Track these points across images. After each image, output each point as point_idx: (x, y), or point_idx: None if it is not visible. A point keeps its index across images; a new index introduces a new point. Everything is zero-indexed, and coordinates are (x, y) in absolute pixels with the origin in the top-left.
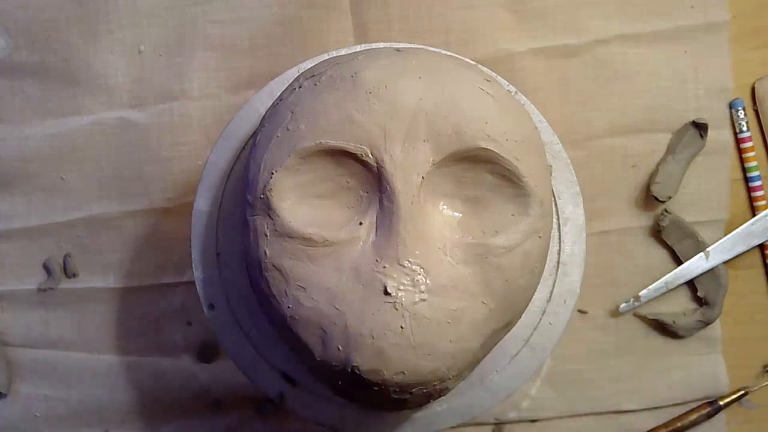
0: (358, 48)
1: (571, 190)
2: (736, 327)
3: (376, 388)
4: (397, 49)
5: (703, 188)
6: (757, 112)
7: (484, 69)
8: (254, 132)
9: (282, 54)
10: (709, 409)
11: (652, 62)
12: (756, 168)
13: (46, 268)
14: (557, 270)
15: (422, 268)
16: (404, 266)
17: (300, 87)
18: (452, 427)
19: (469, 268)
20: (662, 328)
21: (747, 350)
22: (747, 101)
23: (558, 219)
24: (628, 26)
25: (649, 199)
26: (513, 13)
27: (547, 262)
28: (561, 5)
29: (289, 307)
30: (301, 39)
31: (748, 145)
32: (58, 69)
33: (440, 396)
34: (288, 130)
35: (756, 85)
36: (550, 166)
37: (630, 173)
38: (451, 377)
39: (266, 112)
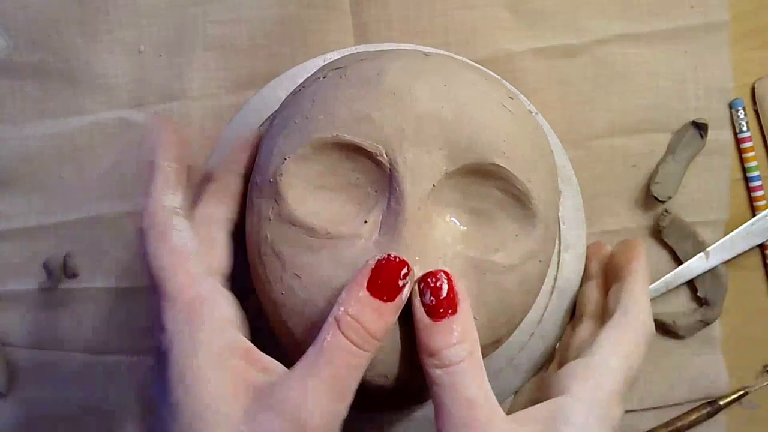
0: (385, 46)
1: (578, 216)
2: (736, 327)
3: (375, 387)
4: (426, 54)
5: (703, 188)
6: (757, 112)
7: (508, 85)
8: (271, 115)
9: (282, 54)
10: (709, 409)
11: (652, 62)
12: (756, 168)
13: (46, 268)
14: (551, 294)
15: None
16: None
17: (324, 77)
18: None
19: (465, 281)
20: (662, 328)
21: (747, 350)
22: (747, 101)
23: (560, 244)
24: (628, 26)
25: (649, 199)
26: (513, 13)
27: (544, 284)
28: (561, 5)
29: (282, 293)
30: (301, 39)
31: (748, 145)
32: (58, 69)
33: (423, 402)
34: (306, 118)
35: (756, 85)
36: (560, 191)
37: (630, 173)
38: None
39: (286, 98)
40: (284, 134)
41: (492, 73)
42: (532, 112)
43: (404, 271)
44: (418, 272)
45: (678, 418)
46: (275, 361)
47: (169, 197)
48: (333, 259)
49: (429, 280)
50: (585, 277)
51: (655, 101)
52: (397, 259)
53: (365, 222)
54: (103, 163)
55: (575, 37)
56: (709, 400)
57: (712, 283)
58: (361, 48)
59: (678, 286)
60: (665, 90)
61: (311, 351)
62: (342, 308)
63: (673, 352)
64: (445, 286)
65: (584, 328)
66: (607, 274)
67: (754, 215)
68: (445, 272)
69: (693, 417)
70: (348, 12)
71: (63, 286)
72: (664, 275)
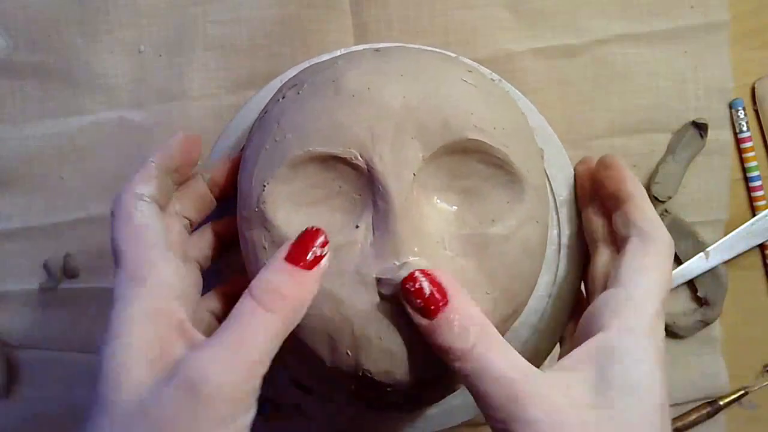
0: (339, 53)
1: (566, 172)
2: (736, 327)
3: (389, 389)
4: (377, 50)
5: (703, 188)
6: (757, 112)
7: (465, 60)
8: (242, 146)
9: (282, 54)
10: (709, 409)
11: (652, 62)
12: (756, 168)
13: (46, 268)
14: (559, 252)
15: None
16: None
17: (283, 97)
18: (467, 422)
19: (469, 260)
20: None
21: (747, 350)
22: (747, 101)
23: (555, 202)
24: (628, 26)
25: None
26: (513, 13)
27: (549, 245)
28: (561, 5)
29: None
30: (301, 39)
31: (748, 145)
32: (58, 69)
33: (455, 390)
34: (276, 141)
35: (756, 85)
36: (541, 149)
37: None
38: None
39: (252, 126)
40: (259, 162)
41: (447, 52)
42: (494, 80)
43: (320, 240)
44: (419, 262)
45: (678, 418)
46: (203, 338)
47: (141, 186)
48: (335, 270)
49: (408, 286)
50: (581, 204)
51: (655, 101)
52: (314, 229)
53: (357, 227)
54: (103, 163)
55: (575, 37)
56: (709, 400)
57: (712, 283)
58: (315, 60)
59: (678, 286)
60: (665, 90)
61: (224, 322)
62: (257, 276)
63: (673, 352)
64: (426, 284)
65: (602, 255)
66: (602, 199)
67: (754, 215)
68: (421, 270)
69: (693, 417)
70: (348, 12)
71: (63, 286)
72: None
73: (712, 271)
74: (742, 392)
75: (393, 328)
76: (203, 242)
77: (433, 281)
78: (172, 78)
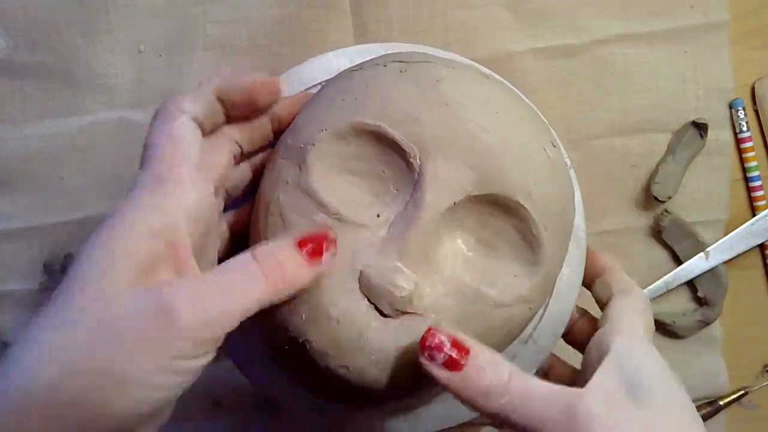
0: (446, 55)
1: (576, 276)
2: (736, 327)
3: (319, 371)
4: (486, 75)
5: (703, 188)
6: (757, 112)
7: (554, 133)
8: (319, 83)
9: (282, 54)
10: (709, 409)
11: (652, 62)
12: (756, 168)
13: (46, 268)
14: (526, 343)
15: (414, 283)
16: None
17: (385, 66)
18: (467, 422)
19: (453, 306)
20: (662, 328)
21: (747, 350)
22: (747, 101)
23: (550, 297)
24: (628, 26)
25: (649, 199)
26: (513, 13)
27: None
28: (561, 5)
29: None
30: (301, 39)
31: (748, 145)
32: (58, 69)
33: (390, 400)
34: (356, 99)
35: (756, 85)
36: (568, 245)
37: (630, 173)
38: (391, 394)
39: (339, 73)
40: (329, 107)
41: (541, 115)
42: (567, 165)
43: (331, 240)
44: (410, 275)
45: None
46: (196, 271)
47: (188, 103)
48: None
49: (427, 342)
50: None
51: (655, 101)
52: (328, 232)
53: (377, 216)
54: (103, 163)
55: (575, 37)
56: (709, 400)
57: (712, 283)
58: (420, 48)
59: (678, 286)
60: (665, 90)
61: (220, 266)
62: (264, 244)
63: (673, 352)
64: (443, 337)
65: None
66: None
67: (754, 215)
68: (432, 328)
69: None
70: (348, 12)
71: None
72: (664, 275)
73: (712, 271)
74: (742, 392)
75: (354, 321)
76: (239, 175)
77: (448, 332)
78: (172, 78)
